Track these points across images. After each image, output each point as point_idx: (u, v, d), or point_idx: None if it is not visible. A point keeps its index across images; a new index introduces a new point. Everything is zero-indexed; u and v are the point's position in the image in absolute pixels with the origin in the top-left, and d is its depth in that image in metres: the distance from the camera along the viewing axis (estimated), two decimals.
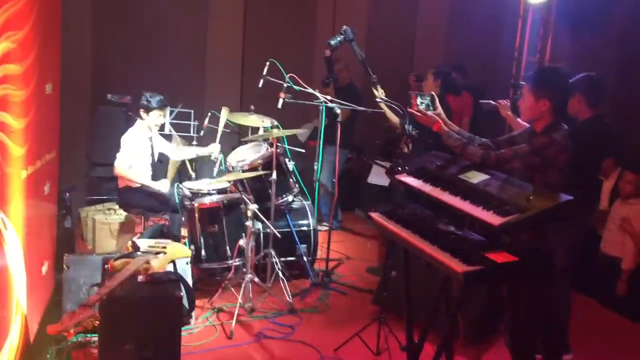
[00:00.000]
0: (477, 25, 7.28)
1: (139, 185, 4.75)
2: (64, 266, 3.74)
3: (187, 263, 3.84)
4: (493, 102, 3.91)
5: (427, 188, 2.93)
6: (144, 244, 3.43)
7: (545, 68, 2.99)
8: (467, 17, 7.40)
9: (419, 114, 3.16)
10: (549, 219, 2.46)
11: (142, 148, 4.84)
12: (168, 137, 5.45)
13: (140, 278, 3.03)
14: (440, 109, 3.23)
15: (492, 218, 2.44)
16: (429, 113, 3.16)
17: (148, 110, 4.81)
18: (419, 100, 3.16)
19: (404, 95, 6.81)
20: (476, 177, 2.84)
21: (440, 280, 3.02)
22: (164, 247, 3.41)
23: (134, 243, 3.41)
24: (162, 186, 4.83)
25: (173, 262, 3.34)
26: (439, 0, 7.81)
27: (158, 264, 3.13)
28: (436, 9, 7.81)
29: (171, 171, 5.23)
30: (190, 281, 3.87)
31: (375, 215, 3.13)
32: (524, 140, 3.00)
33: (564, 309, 3.67)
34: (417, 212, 3.15)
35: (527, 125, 3.26)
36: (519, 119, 3.60)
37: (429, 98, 3.21)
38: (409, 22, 7.89)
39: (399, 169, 3.49)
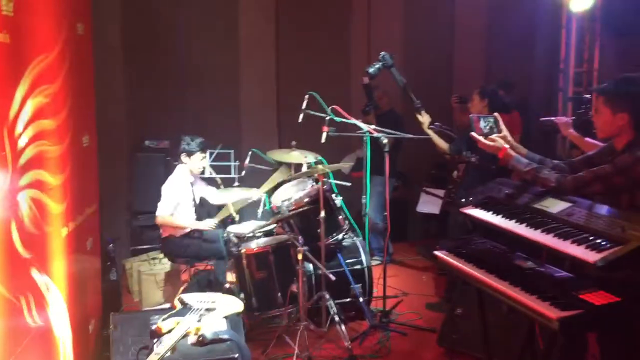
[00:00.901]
0: (516, 39, 6.99)
1: (183, 234, 4.58)
2: (111, 326, 3.55)
3: (238, 315, 3.60)
4: (554, 119, 3.57)
5: (499, 221, 2.65)
6: (192, 299, 3.21)
7: (621, 78, 2.67)
8: (504, 31, 7.11)
9: (482, 139, 2.88)
10: None
11: (183, 195, 4.68)
12: (208, 181, 5.28)
13: (191, 340, 2.79)
14: (505, 131, 2.95)
15: (586, 254, 2.13)
16: (494, 136, 2.88)
17: (190, 154, 4.68)
18: (482, 123, 2.89)
19: (446, 118, 6.61)
20: (555, 206, 2.54)
21: (522, 324, 2.70)
22: (214, 302, 3.18)
23: (181, 300, 3.19)
24: (207, 224, 4.66)
25: (225, 317, 3.10)
26: (475, 17, 7.54)
27: (209, 323, 2.90)
28: (472, 25, 7.55)
29: (222, 213, 5.06)
30: (242, 333, 3.62)
31: (441, 254, 2.85)
32: (603, 160, 2.69)
33: None
34: (488, 247, 2.87)
35: (598, 143, 2.95)
36: (587, 138, 3.27)
37: (492, 120, 2.93)
38: (445, 42, 7.64)
39: (453, 197, 3.23)
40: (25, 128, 2.68)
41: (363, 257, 4.77)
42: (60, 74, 3.32)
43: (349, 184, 5.04)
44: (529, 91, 7.27)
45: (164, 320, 2.93)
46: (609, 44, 6.71)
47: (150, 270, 5.13)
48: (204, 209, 5.34)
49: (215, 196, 5.03)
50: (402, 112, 6.21)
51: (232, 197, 4.87)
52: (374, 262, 5.62)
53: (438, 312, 4.78)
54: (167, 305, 4.45)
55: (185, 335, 2.80)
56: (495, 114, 3.00)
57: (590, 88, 2.97)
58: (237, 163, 5.74)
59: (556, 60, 6.96)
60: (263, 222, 4.45)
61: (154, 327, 2.91)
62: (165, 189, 4.63)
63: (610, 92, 2.70)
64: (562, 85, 6.90)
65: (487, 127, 2.89)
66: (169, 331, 2.85)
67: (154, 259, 5.32)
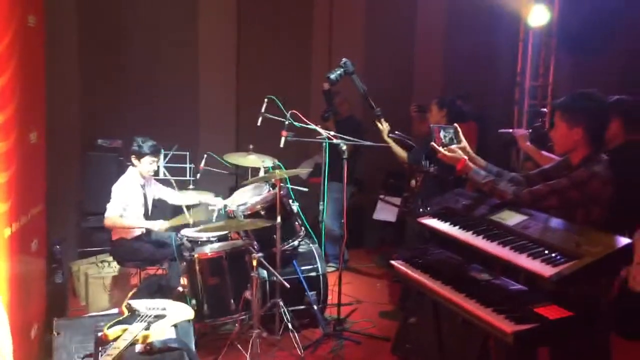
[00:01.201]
0: (475, 51, 7.11)
1: (133, 237, 4.43)
2: (54, 332, 3.39)
3: (188, 321, 3.50)
4: (511, 131, 3.59)
5: (456, 232, 2.64)
6: (140, 305, 3.09)
7: (578, 93, 2.70)
8: (464, 42, 7.22)
9: (441, 150, 2.87)
10: (606, 267, 2.15)
11: (133, 197, 4.54)
12: (164, 182, 5.15)
13: (138, 348, 2.68)
14: (464, 142, 2.95)
15: (541, 268, 2.14)
16: (454, 147, 2.88)
17: (140, 156, 4.55)
18: (442, 133, 2.88)
19: (405, 127, 6.63)
20: (512, 218, 2.55)
21: (476, 334, 2.69)
22: (163, 309, 3.07)
23: (129, 306, 3.07)
24: (159, 225, 4.52)
25: (174, 325, 3.00)
26: (435, 27, 7.63)
27: (158, 330, 2.79)
28: (432, 35, 7.64)
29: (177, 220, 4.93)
30: (192, 340, 3.52)
31: (397, 263, 2.83)
32: (559, 174, 2.71)
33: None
34: (444, 258, 2.86)
35: (554, 157, 2.98)
36: (543, 152, 3.30)
37: (452, 131, 2.93)
38: (406, 51, 7.70)
39: (410, 206, 3.22)
40: None
41: (318, 264, 4.72)
42: (7, 67, 3.17)
43: (305, 189, 4.99)
44: (486, 102, 7.37)
45: (110, 327, 2.81)
46: (565, 59, 6.88)
47: (98, 273, 4.95)
48: (158, 210, 5.20)
49: (174, 197, 4.90)
50: (361, 120, 6.21)
51: (192, 199, 4.75)
52: (329, 269, 5.59)
53: (392, 320, 4.73)
54: (115, 311, 4.29)
55: (133, 344, 2.68)
56: (455, 124, 3.00)
57: (552, 102, 2.99)
58: (192, 165, 5.62)
59: (513, 73, 7.09)
60: (216, 225, 4.33)
61: (99, 334, 2.79)
62: (115, 190, 4.49)
63: (566, 107, 2.73)
64: (519, 98, 7.02)
65: (447, 138, 2.89)
66: (115, 339, 2.73)
67: (102, 262, 5.14)
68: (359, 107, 6.53)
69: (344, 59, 4.71)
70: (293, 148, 4.61)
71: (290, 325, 4.27)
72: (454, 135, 2.93)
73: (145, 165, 4.60)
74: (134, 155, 4.58)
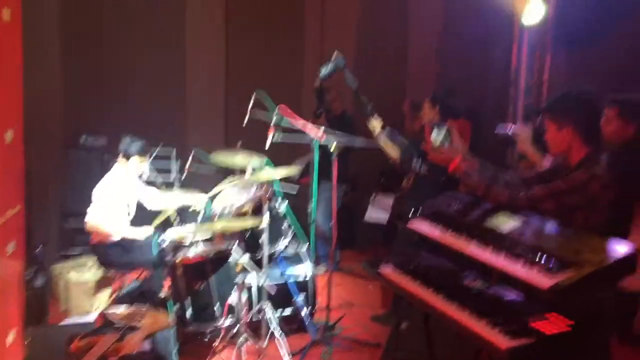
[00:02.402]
0: (469, 47, 6.96)
1: (113, 242, 4.27)
2: (26, 341, 3.23)
3: (170, 329, 3.35)
4: (511, 132, 3.42)
5: (448, 238, 2.49)
6: (116, 315, 2.94)
7: (562, 93, 2.59)
8: (458, 38, 7.08)
9: (433, 151, 2.73)
10: (609, 277, 2.01)
11: (118, 198, 4.37)
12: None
13: None
14: (458, 142, 2.81)
15: (538, 279, 1.98)
16: (445, 148, 2.73)
17: (127, 156, 4.39)
18: (434, 133, 2.73)
19: (398, 124, 6.47)
20: (506, 223, 2.40)
21: (468, 346, 2.55)
22: (140, 318, 2.91)
23: (103, 315, 2.91)
24: (142, 233, 4.36)
25: (151, 335, 2.85)
26: (429, 24, 7.47)
27: (132, 342, 2.64)
28: (426, 33, 7.48)
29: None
30: (174, 349, 3.37)
31: (386, 271, 2.67)
32: (557, 176, 2.57)
33: None
34: (436, 264, 2.70)
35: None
36: (545, 160, 3.13)
37: (445, 130, 2.78)
38: (399, 48, 7.54)
39: (402, 207, 3.07)
40: None
41: (307, 267, 4.57)
42: None
43: (293, 192, 4.82)
44: (480, 100, 7.23)
45: (81, 339, 2.66)
46: (560, 56, 6.75)
47: (80, 277, 4.78)
48: (143, 213, 5.03)
49: (152, 201, 4.73)
50: (354, 116, 6.05)
51: (171, 202, 4.59)
52: (319, 271, 5.45)
53: (384, 325, 4.59)
54: (92, 319, 4.13)
55: (104, 357, 2.53)
56: (448, 124, 2.85)
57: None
58: (178, 162, 5.45)
59: (508, 70, 6.95)
60: (201, 229, 4.16)
61: (69, 346, 2.64)
62: (98, 191, 4.32)
63: (551, 108, 2.62)
64: (513, 96, 6.89)
65: (440, 138, 2.74)
66: (87, 350, 2.58)
67: (84, 265, 4.97)
68: (352, 102, 6.38)
69: (335, 52, 4.55)
70: (284, 146, 4.46)
71: (277, 332, 4.12)
72: (447, 134, 2.77)
73: (133, 166, 4.45)
74: (121, 155, 4.42)
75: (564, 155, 2.63)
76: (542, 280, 1.96)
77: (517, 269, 2.08)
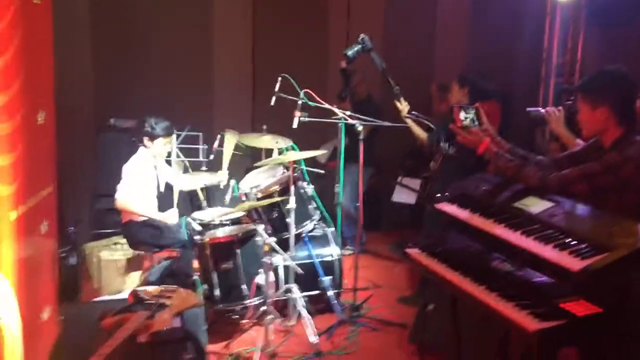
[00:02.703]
0: (499, 26, 6.82)
1: (144, 219, 4.34)
2: (62, 317, 3.33)
3: (200, 307, 3.40)
4: (542, 111, 3.35)
5: (476, 220, 2.47)
6: (147, 293, 2.99)
7: (598, 72, 2.51)
8: (488, 17, 6.93)
9: (462, 132, 2.69)
10: None
11: (146, 178, 4.43)
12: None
13: (140, 338, 2.58)
14: (487, 124, 2.77)
15: (569, 261, 1.96)
16: (474, 129, 2.70)
17: (152, 138, 4.43)
18: (462, 114, 2.69)
19: (426, 106, 6.40)
20: (536, 205, 2.37)
21: (496, 325, 2.53)
22: (170, 296, 2.97)
23: (134, 293, 2.97)
24: (170, 217, 4.42)
25: (180, 313, 2.89)
26: (458, 2, 7.33)
27: (162, 319, 2.69)
28: (456, 11, 7.34)
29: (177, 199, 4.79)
30: (203, 327, 3.42)
31: (413, 252, 2.67)
32: (589, 157, 2.52)
33: None
34: (463, 247, 2.69)
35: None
36: (578, 140, 3.06)
37: (473, 111, 2.74)
38: (427, 28, 7.42)
39: (429, 190, 3.05)
40: None
41: (334, 249, 4.59)
42: (10, 45, 3.05)
43: (322, 172, 4.84)
44: (510, 80, 7.11)
45: (113, 315, 2.72)
46: (594, 34, 6.57)
47: (111, 256, 4.88)
48: (170, 194, 5.10)
49: (179, 181, 4.79)
50: (379, 99, 6.01)
51: (198, 182, 4.64)
52: (346, 252, 5.46)
53: (411, 307, 4.59)
54: (125, 296, 4.22)
55: (135, 334, 2.59)
56: (477, 105, 2.81)
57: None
58: (205, 146, 5.49)
59: (539, 49, 6.81)
60: (228, 209, 4.21)
61: (102, 322, 2.70)
62: (126, 170, 4.38)
63: (586, 88, 2.55)
64: (545, 76, 6.76)
65: (468, 119, 2.70)
66: (119, 326, 2.64)
67: (116, 244, 5.06)
68: (377, 85, 6.33)
69: (362, 35, 4.51)
70: (309, 129, 4.46)
71: (304, 311, 4.16)
72: (475, 116, 2.74)
73: (158, 147, 4.50)
74: (146, 137, 4.47)
75: (597, 136, 2.58)
76: (573, 262, 1.94)
77: (547, 251, 2.05)
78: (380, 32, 6.89)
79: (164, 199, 4.71)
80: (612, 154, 2.42)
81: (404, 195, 6.05)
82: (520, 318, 1.97)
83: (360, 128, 4.33)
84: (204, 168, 4.82)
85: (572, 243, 2.05)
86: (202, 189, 4.75)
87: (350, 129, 4.43)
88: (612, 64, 2.58)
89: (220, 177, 4.52)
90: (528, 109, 3.25)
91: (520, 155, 2.69)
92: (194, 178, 4.59)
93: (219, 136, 4.83)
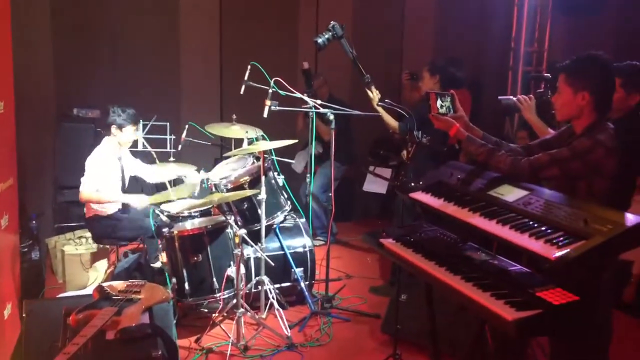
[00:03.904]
0: (467, 15, 6.84)
1: (109, 214, 4.21)
2: (23, 314, 3.20)
3: (168, 302, 3.31)
4: (514, 98, 3.33)
5: (451, 209, 2.44)
6: (113, 288, 2.89)
7: (585, 55, 2.48)
8: (456, 6, 6.94)
9: (438, 119, 2.65)
10: (616, 248, 1.96)
11: (110, 169, 4.29)
12: (141, 155, 4.91)
13: (109, 335, 2.49)
14: (461, 111, 2.73)
15: (545, 250, 1.94)
16: (448, 116, 2.66)
17: (121, 126, 4.30)
18: (438, 102, 2.65)
19: (395, 94, 6.37)
20: (511, 194, 2.35)
21: (472, 320, 2.51)
22: (137, 291, 2.87)
23: (100, 289, 2.87)
24: (138, 201, 4.29)
25: (149, 308, 2.80)
26: None
27: (130, 315, 2.60)
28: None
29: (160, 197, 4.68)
30: (172, 322, 3.34)
31: (388, 242, 2.63)
32: (562, 144, 2.51)
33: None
34: (438, 236, 2.66)
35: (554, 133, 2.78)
36: (550, 130, 3.05)
37: (449, 99, 2.70)
38: (395, 16, 7.39)
39: (402, 178, 3.01)
40: None
41: (306, 240, 4.53)
42: None
43: (292, 161, 4.77)
44: (479, 69, 7.13)
45: (79, 312, 2.61)
46: (561, 23, 6.63)
47: (76, 250, 4.74)
48: (137, 185, 4.97)
49: (150, 174, 4.66)
50: (351, 89, 5.97)
51: (169, 174, 4.51)
52: (317, 243, 5.41)
53: (383, 296, 4.58)
54: (89, 292, 4.10)
55: (102, 330, 2.49)
56: (452, 91, 2.77)
57: (557, 65, 2.71)
58: (173, 137, 5.36)
59: (507, 38, 6.84)
60: (198, 201, 4.11)
61: (67, 319, 2.59)
62: (90, 162, 4.25)
63: (572, 70, 2.51)
64: (513, 64, 6.80)
65: (444, 107, 2.67)
66: (85, 323, 2.54)
67: (80, 237, 4.92)
68: (348, 73, 6.28)
69: (332, 22, 4.43)
70: (281, 119, 4.38)
71: (276, 304, 4.10)
72: (450, 104, 2.70)
73: (127, 135, 4.38)
74: (114, 126, 4.33)
75: (571, 122, 2.57)
76: (550, 250, 1.92)
77: (523, 240, 2.03)
78: (350, 20, 6.82)
79: (129, 191, 4.59)
80: (582, 140, 2.41)
81: (375, 184, 6.02)
82: (497, 307, 1.95)
83: (332, 117, 4.28)
84: (171, 159, 4.69)
85: (548, 231, 2.03)
86: (169, 181, 4.64)
87: (321, 117, 4.37)
88: (579, 52, 2.56)
89: (195, 175, 4.41)
90: (500, 97, 3.23)
91: (492, 142, 2.66)
92: (169, 169, 4.46)
93: (186, 126, 4.72)
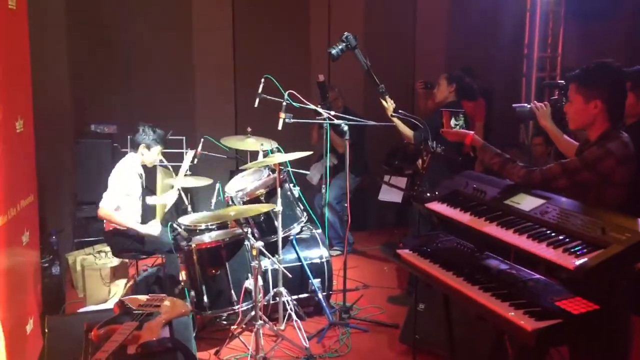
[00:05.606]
0: (479, 21, 6.83)
1: (127, 229, 4.25)
2: (45, 330, 3.24)
3: (189, 315, 3.34)
4: (528, 106, 3.33)
5: (467, 219, 2.44)
6: (133, 302, 2.92)
7: (596, 64, 2.47)
8: (469, 13, 6.93)
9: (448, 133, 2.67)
10: (636, 256, 1.95)
11: (133, 186, 4.32)
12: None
13: (130, 350, 2.52)
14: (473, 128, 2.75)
15: (563, 259, 1.93)
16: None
17: (149, 146, 4.34)
18: (452, 121, 2.67)
19: (408, 103, 6.37)
20: (527, 203, 2.34)
21: (491, 330, 2.51)
22: (158, 305, 2.90)
23: (121, 303, 2.90)
24: (152, 230, 4.31)
25: (169, 322, 2.83)
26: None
27: (150, 329, 2.62)
28: (436, 7, 7.33)
29: (159, 209, 4.69)
30: (192, 335, 3.37)
31: (405, 254, 2.63)
32: (576, 153, 2.51)
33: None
34: (455, 246, 2.66)
35: (575, 143, 2.77)
36: (565, 136, 3.04)
37: (463, 119, 2.72)
38: (408, 24, 7.40)
39: (417, 188, 3.01)
40: None
41: (322, 251, 4.55)
42: None
43: (307, 172, 4.79)
44: (492, 76, 7.12)
45: (100, 327, 2.65)
46: (573, 29, 6.62)
47: (95, 264, 4.79)
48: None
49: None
50: (365, 99, 5.98)
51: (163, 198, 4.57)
52: (334, 253, 5.42)
53: (401, 306, 4.57)
54: (110, 306, 4.14)
55: (124, 345, 2.52)
56: (464, 111, 2.79)
57: (566, 75, 2.68)
58: (188, 150, 5.41)
59: (520, 44, 6.83)
60: (214, 214, 4.14)
61: (89, 335, 2.63)
62: (114, 178, 4.27)
63: (582, 79, 2.50)
64: (526, 71, 6.78)
65: (458, 126, 2.69)
66: (107, 338, 2.57)
67: (99, 252, 4.97)
68: (362, 84, 6.30)
69: (345, 33, 4.46)
70: (296, 131, 4.41)
71: (294, 315, 4.11)
72: (464, 123, 2.72)
73: (154, 155, 4.41)
74: (143, 145, 4.36)
75: (584, 130, 2.56)
76: (568, 260, 1.91)
77: (541, 249, 2.03)
78: (361, 30, 6.85)
79: (149, 208, 4.63)
80: (593, 149, 2.40)
81: (390, 193, 6.01)
82: (516, 318, 1.95)
83: (346, 128, 4.31)
84: (188, 172, 4.74)
85: (566, 240, 2.03)
86: (185, 192, 4.68)
87: (336, 129, 4.39)
88: (592, 58, 2.56)
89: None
90: (514, 105, 3.22)
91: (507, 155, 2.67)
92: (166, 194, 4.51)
93: (201, 140, 4.77)
